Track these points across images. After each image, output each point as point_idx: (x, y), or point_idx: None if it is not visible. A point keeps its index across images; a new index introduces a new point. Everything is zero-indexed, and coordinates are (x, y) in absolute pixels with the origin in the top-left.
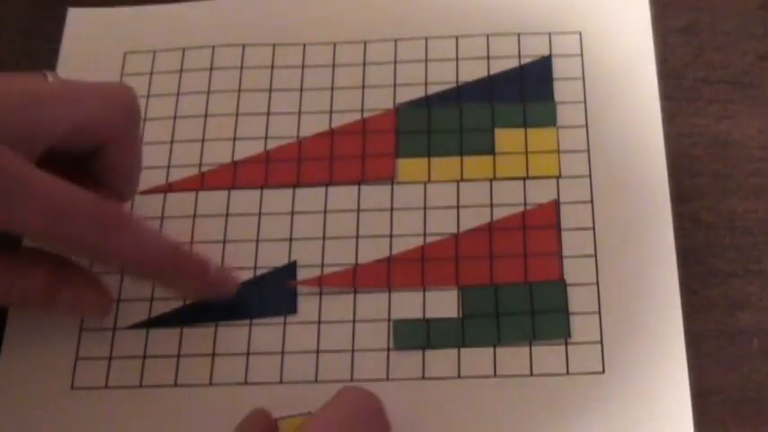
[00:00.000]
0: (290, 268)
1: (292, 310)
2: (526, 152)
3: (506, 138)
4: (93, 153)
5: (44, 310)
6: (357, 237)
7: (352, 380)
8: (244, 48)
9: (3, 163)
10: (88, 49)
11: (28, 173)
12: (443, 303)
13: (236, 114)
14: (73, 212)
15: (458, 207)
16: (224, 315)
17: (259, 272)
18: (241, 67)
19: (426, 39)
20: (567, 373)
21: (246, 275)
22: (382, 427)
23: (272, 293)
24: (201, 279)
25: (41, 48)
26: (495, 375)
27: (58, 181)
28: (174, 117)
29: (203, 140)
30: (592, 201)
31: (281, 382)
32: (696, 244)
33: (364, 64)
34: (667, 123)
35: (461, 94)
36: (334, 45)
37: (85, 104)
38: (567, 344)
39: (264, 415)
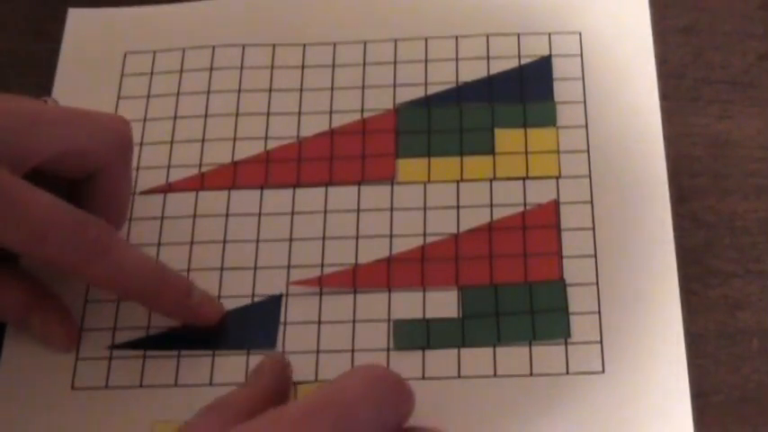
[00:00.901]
0: (276, 301)
1: (271, 344)
2: (526, 152)
3: (506, 138)
4: (84, 181)
5: (15, 329)
6: (357, 237)
7: None
8: (244, 48)
9: None
10: (88, 49)
11: (12, 185)
12: (443, 303)
13: (236, 114)
14: (55, 230)
15: (457, 207)
16: (200, 344)
17: (258, 272)
18: (241, 68)
19: (426, 39)
20: (567, 372)
21: (246, 276)
22: (399, 402)
23: (254, 325)
24: (183, 304)
25: (41, 48)
26: (494, 375)
27: (44, 195)
28: (174, 117)
29: (203, 140)
30: (591, 201)
31: None
32: (696, 244)
33: (364, 64)
34: (667, 123)
35: (461, 94)
36: (334, 45)
37: (77, 130)
38: (566, 344)
39: (279, 361)
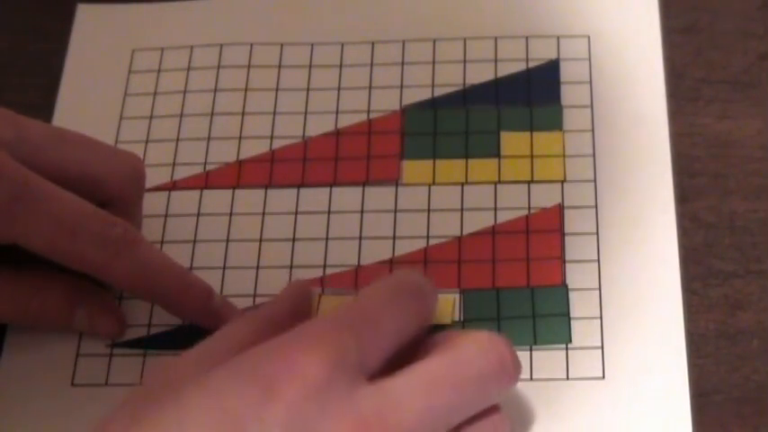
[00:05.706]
0: None
1: None
2: (531, 156)
3: (512, 141)
4: None
5: (60, 329)
6: (360, 238)
7: None
8: (251, 46)
9: (9, 172)
10: (96, 45)
11: (36, 183)
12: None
13: (243, 113)
14: (79, 228)
15: (461, 210)
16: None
17: (261, 272)
18: (248, 66)
19: (434, 40)
20: (567, 378)
21: (248, 275)
22: (421, 308)
23: None
24: (207, 306)
25: (42, 48)
26: None
27: (67, 194)
28: (181, 115)
29: (209, 139)
30: (596, 205)
31: None
32: (696, 244)
33: (371, 64)
34: (668, 123)
35: (468, 97)
36: (342, 45)
37: (95, 156)
38: (567, 349)
39: (302, 287)
